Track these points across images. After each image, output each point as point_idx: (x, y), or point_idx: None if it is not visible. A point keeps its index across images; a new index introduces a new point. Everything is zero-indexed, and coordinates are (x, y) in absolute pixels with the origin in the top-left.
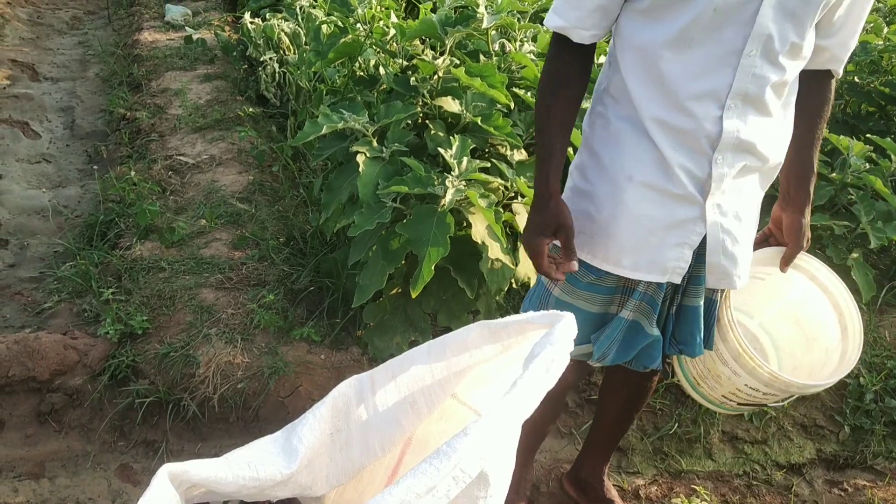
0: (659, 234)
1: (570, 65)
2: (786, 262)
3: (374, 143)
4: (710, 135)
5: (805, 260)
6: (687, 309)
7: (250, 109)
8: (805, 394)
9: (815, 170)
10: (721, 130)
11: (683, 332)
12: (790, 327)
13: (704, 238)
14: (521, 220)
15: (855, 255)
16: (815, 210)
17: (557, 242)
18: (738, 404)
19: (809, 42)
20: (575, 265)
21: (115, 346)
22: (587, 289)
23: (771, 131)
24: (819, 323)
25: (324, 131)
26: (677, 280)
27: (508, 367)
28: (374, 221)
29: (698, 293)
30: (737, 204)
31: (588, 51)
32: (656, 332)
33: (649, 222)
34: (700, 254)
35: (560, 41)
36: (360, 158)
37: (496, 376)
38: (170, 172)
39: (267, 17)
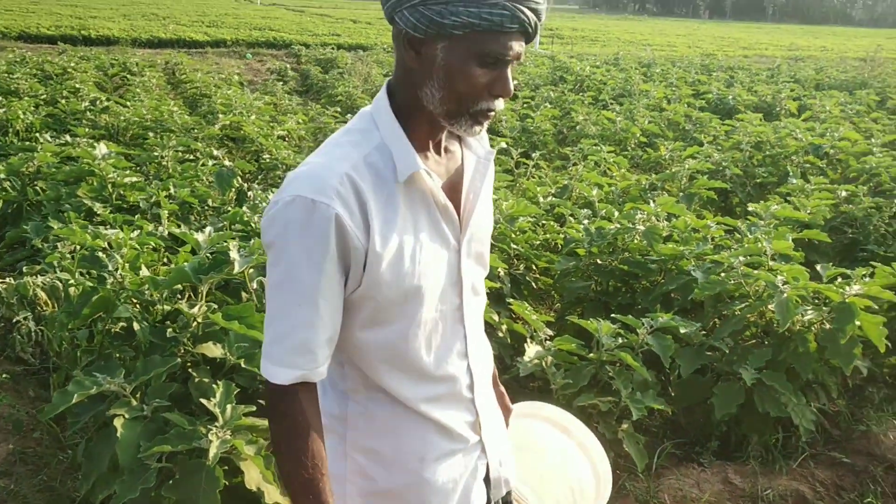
0: (462, 487)
1: (311, 407)
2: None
3: (134, 402)
4: (468, 383)
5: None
6: None
7: (4, 375)
8: None
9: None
10: (472, 374)
11: None
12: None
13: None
14: None
15: (624, 426)
16: (581, 390)
17: None
18: None
19: (488, 262)
20: None
21: None
22: None
23: (484, 337)
24: (543, 449)
25: (75, 400)
26: None
27: None
28: (138, 489)
29: None
30: (492, 417)
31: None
32: None
33: (453, 484)
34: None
35: (292, 391)
36: (117, 422)
37: None
38: None
39: (24, 270)
